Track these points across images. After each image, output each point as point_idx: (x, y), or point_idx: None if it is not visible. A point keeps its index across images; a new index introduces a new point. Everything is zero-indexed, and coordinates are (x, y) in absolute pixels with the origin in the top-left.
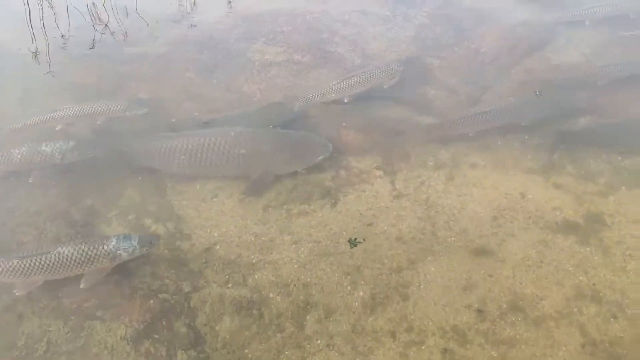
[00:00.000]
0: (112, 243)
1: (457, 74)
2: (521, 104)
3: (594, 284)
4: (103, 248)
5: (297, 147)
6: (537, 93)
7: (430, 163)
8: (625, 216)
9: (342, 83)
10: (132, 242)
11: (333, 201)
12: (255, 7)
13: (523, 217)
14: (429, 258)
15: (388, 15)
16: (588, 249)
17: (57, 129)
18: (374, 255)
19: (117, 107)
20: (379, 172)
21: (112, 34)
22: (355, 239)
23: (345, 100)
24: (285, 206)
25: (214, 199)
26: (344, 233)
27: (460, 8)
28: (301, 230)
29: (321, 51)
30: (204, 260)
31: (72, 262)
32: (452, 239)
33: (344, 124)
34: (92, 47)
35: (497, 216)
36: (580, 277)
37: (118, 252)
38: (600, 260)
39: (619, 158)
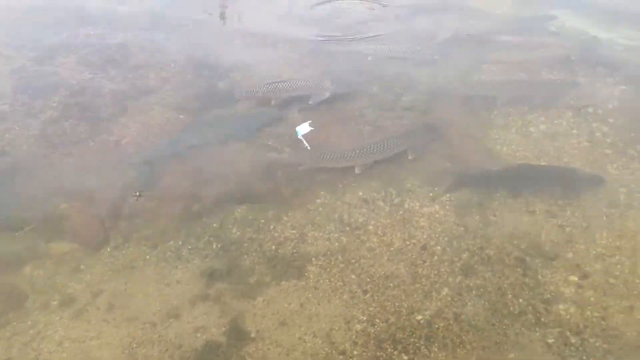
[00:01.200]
0: None
1: (92, 172)
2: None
3: None
4: None
5: None
6: None
7: (55, 302)
8: (271, 319)
9: (271, 85)
10: None
11: None
12: None
13: (159, 352)
14: None
15: (6, 111)
16: None
17: None
18: None
19: None
20: None
21: None
22: None
23: (272, 103)
24: None
25: None
26: None
27: (99, 94)
28: None
29: None
30: None
31: None
32: None
33: None
34: None
35: None
36: None
37: None
38: None
39: (273, 247)
